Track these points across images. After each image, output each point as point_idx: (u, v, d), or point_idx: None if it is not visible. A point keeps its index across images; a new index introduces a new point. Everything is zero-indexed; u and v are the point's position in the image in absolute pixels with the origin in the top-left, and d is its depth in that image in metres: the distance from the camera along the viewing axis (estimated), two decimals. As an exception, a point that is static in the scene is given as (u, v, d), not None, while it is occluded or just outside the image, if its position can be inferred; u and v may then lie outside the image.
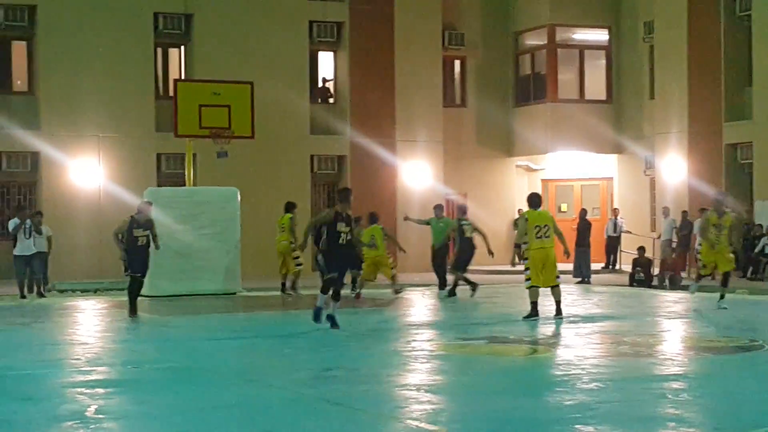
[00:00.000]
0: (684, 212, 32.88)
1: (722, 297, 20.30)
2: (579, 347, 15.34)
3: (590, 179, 39.22)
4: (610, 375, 12.48)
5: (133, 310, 19.27)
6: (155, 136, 32.37)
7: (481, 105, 38.68)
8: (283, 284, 25.18)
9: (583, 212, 33.22)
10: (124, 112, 32.26)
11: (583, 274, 30.67)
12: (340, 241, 16.57)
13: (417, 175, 35.74)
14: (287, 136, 33.66)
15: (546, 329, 17.34)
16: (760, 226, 31.31)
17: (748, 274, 30.60)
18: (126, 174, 31.71)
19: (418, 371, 12.58)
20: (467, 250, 23.64)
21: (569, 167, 39.05)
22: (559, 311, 18.60)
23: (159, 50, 33.96)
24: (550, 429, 9.10)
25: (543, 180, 39.42)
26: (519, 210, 38.24)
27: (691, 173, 34.15)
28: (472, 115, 38.76)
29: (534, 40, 39.01)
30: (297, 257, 24.42)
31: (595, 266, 32.94)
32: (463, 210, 24.84)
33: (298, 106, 34.17)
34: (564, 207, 39.08)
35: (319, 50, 36.01)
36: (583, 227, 31.87)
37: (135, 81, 32.48)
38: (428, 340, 16.13)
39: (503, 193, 38.61)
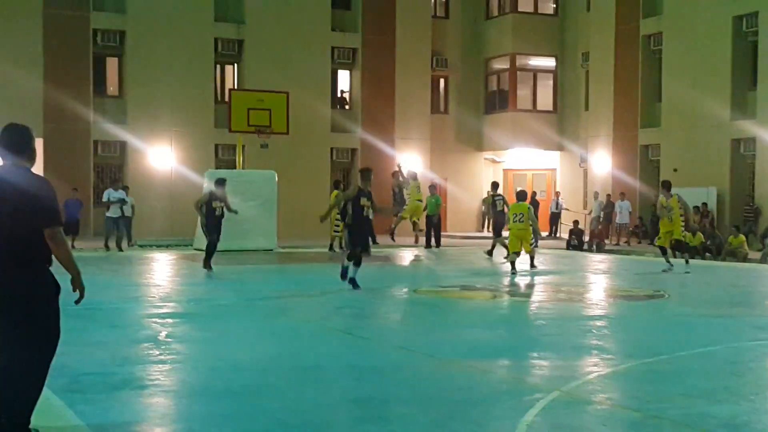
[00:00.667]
0: (608, 195, 32.93)
1: (687, 262, 19.64)
2: (528, 294, 15.36)
3: (539, 169, 39.16)
4: (551, 315, 12.49)
5: (208, 264, 18.31)
6: (214, 131, 32.35)
7: (459, 112, 38.74)
8: (331, 244, 25.38)
9: (534, 194, 33.21)
10: (190, 113, 32.20)
11: (535, 239, 30.55)
12: (364, 214, 14.72)
13: (411, 164, 35.69)
14: (313, 133, 33.69)
15: (505, 281, 17.33)
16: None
17: (654, 242, 30.50)
18: (191, 159, 31.71)
19: (404, 310, 12.58)
20: (500, 219, 22.80)
21: (524, 160, 39.05)
22: (532, 265, 19.29)
23: (218, 66, 33.89)
24: (506, 354, 9.11)
25: (504, 170, 39.41)
26: (488, 192, 38.27)
27: (614, 167, 34.16)
28: (453, 120, 38.80)
29: (499, 64, 38.97)
30: (337, 226, 24.39)
31: (542, 233, 32.89)
32: (495, 186, 24.13)
33: (322, 110, 34.28)
34: (518, 190, 38.96)
35: (339, 69, 36.08)
36: (534, 206, 31.81)
37: (199, 89, 32.41)
38: (414, 288, 16.13)
39: (474, 179, 38.64)
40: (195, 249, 24.16)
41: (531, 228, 19.27)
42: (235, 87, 33.06)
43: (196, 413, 6.72)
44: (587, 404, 7.03)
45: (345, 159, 35.65)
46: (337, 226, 24.34)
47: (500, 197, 23.32)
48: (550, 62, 38.78)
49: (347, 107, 36.56)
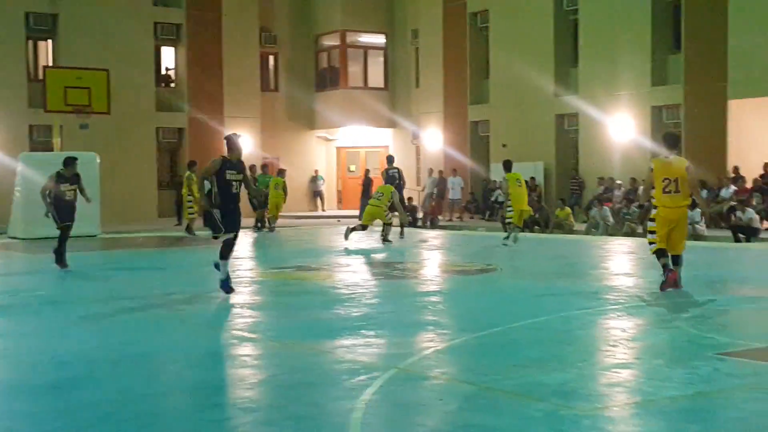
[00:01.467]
0: (440, 172, 33.61)
1: (510, 235, 19.68)
2: (363, 272, 15.49)
3: (372, 147, 39.51)
4: (386, 292, 12.65)
5: (62, 261, 15.99)
6: (27, 111, 31.02)
7: (289, 90, 38.60)
8: (188, 226, 24.49)
9: (367, 171, 33.50)
10: (0, 92, 30.81)
11: (366, 218, 30.88)
12: (233, 191, 11.86)
13: (241, 143, 35.30)
14: (137, 112, 32.91)
15: (340, 260, 17.41)
16: (495, 181, 32.17)
17: (486, 216, 31.46)
18: (2, 141, 30.30)
19: (242, 293, 12.44)
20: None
21: (357, 138, 39.32)
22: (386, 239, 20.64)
23: (30, 42, 32.52)
24: (342, 333, 9.15)
25: (337, 147, 39.62)
26: (315, 170, 38.41)
27: (446, 143, 34.90)
28: (283, 97, 38.64)
29: (330, 41, 39.02)
30: (191, 206, 23.86)
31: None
32: (390, 160, 24.19)
33: (146, 89, 33.54)
34: (353, 168, 39.40)
35: (163, 45, 35.33)
36: (367, 183, 32.08)
37: (9, 67, 31.05)
38: (249, 269, 16.00)
39: (306, 157, 38.68)
40: (10, 237, 23.14)
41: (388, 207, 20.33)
42: (50, 64, 31.75)
43: (17, 412, 6.43)
44: (424, 380, 7.16)
45: (172, 139, 34.98)
46: (191, 206, 23.82)
47: (395, 170, 23.20)
48: (380, 39, 39.13)
49: (173, 85, 35.81)
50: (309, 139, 39.14)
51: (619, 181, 27.81)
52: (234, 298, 11.80)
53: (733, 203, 23.20)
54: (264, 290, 13.24)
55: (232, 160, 12.05)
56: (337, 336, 9.02)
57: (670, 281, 11.36)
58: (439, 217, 31.37)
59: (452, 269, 16.01)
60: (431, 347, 8.43)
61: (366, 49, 39.17)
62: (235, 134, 12.58)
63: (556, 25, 30.88)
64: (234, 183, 11.91)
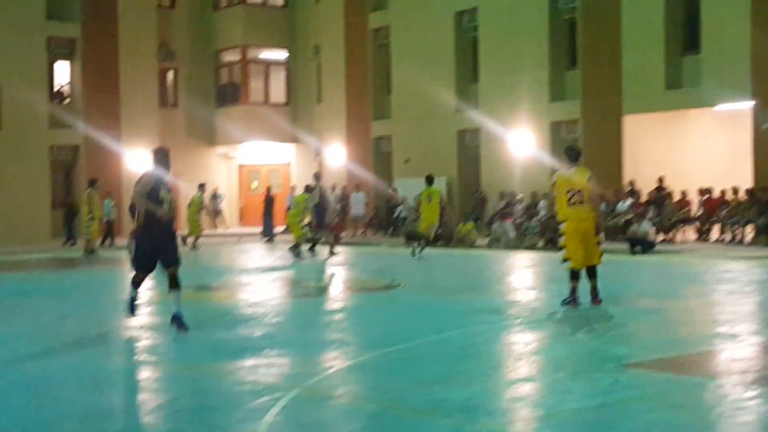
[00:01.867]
0: (343, 187, 33.64)
1: (422, 249, 20.98)
2: (266, 291, 15.36)
3: (274, 164, 39.36)
4: (289, 311, 12.57)
5: None
6: None
7: (189, 106, 38.15)
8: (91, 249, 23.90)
9: (269, 188, 33.34)
10: None
11: (268, 234, 30.77)
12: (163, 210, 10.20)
13: (138, 160, 34.74)
14: (29, 129, 32.07)
15: (242, 279, 17.22)
16: (398, 197, 32.32)
17: (390, 232, 31.55)
18: None
19: (142, 314, 12.16)
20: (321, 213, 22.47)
21: (258, 154, 39.08)
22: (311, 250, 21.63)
23: None
24: (244, 354, 9.02)
25: (239, 165, 39.30)
26: (215, 188, 38.04)
27: (349, 159, 34.94)
28: (183, 113, 38.17)
29: (230, 56, 38.77)
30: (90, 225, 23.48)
31: (279, 229, 33.06)
32: (317, 177, 23.71)
33: (38, 105, 32.63)
34: (254, 185, 39.10)
35: (57, 60, 34.51)
36: (269, 200, 31.97)
37: None
38: (148, 289, 15.65)
39: (207, 174, 38.11)
40: None
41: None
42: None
43: None
44: (328, 399, 7.11)
45: (66, 157, 34.17)
46: (91, 225, 23.27)
47: (316, 188, 23.08)
48: (281, 55, 39.04)
49: (68, 101, 35.00)
50: (209, 155, 38.73)
51: (520, 196, 28.24)
52: (131, 321, 11.52)
53: (629, 216, 23.77)
54: (163, 311, 12.97)
55: (162, 179, 10.39)
56: (239, 357, 8.88)
57: (574, 305, 11.45)
58: (342, 234, 31.33)
59: (356, 286, 15.99)
60: (335, 366, 8.38)
61: (267, 64, 39.02)
62: (167, 150, 10.86)
63: (457, 42, 31.27)
64: (164, 203, 10.28)
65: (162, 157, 10.61)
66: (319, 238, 22.35)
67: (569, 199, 11.42)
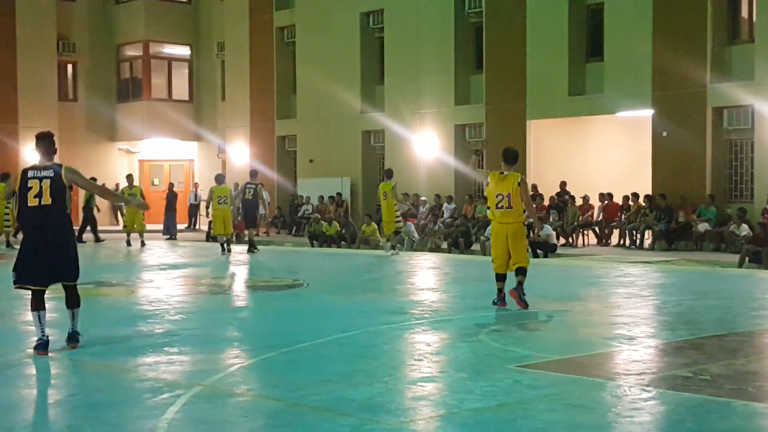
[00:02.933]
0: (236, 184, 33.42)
1: (394, 247, 21.21)
2: (168, 288, 15.14)
3: (177, 160, 38.88)
4: (191, 308, 12.41)
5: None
6: None
7: (90, 101, 37.50)
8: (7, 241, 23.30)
9: (171, 185, 32.97)
10: None
11: (171, 232, 30.34)
12: (29, 204, 8.83)
13: (36, 156, 33.96)
14: None
15: (143, 276, 16.95)
16: (302, 196, 32.29)
17: (293, 232, 31.46)
18: None
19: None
20: (251, 207, 22.81)
21: (160, 151, 38.58)
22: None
23: None
24: (144, 351, 8.89)
25: (140, 160, 38.68)
26: (117, 184, 37.31)
27: (253, 157, 34.75)
28: (83, 108, 37.48)
29: (132, 51, 38.22)
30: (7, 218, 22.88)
31: (181, 226, 32.70)
32: (254, 174, 23.88)
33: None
34: (156, 181, 38.55)
35: (-49, 50, 33.54)
36: (171, 197, 31.57)
37: None
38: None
39: (108, 170, 37.47)
40: None
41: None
42: None
43: None
44: (229, 397, 7.05)
45: (-40, 149, 33.17)
46: (8, 219, 22.73)
47: (252, 186, 22.88)
48: (185, 51, 38.63)
49: (-38, 92, 34.02)
50: (110, 151, 38.07)
51: (423, 198, 28.47)
52: (27, 316, 11.22)
53: (531, 220, 24.17)
54: (59, 307, 12.67)
55: (40, 166, 9.33)
56: (139, 354, 8.75)
57: (501, 304, 11.64)
58: (245, 232, 31.09)
59: (259, 284, 15.90)
60: (237, 364, 8.32)
61: (170, 60, 38.57)
62: (47, 135, 9.66)
63: (363, 43, 31.37)
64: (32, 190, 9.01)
65: (41, 142, 9.42)
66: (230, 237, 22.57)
67: (497, 203, 11.53)
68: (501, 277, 11.70)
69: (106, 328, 10.36)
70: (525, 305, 11.43)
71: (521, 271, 11.55)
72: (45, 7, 34.99)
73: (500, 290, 11.73)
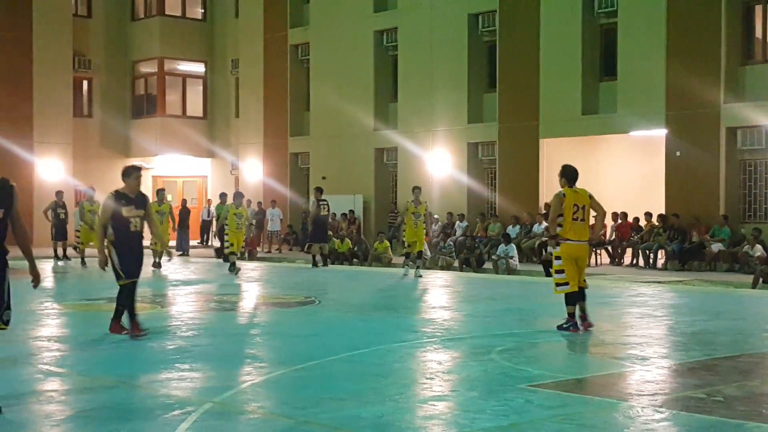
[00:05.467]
0: (259, 203, 33.44)
1: (418, 268, 20.39)
2: (180, 304, 15.17)
3: (190, 176, 38.99)
4: (202, 325, 12.42)
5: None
6: None
7: (104, 117, 37.68)
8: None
9: (184, 201, 33.10)
10: None
11: (183, 248, 30.39)
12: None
13: (51, 170, 34.17)
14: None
15: (155, 292, 16.98)
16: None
17: (305, 249, 31.37)
18: None
19: (50, 326, 11.93)
20: (324, 223, 23.44)
21: (174, 167, 38.69)
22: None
23: None
24: (156, 367, 8.91)
25: (154, 176, 38.73)
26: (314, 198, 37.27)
27: (266, 174, 34.82)
28: (97, 124, 37.66)
29: (147, 68, 38.38)
30: None
31: (193, 242, 32.77)
32: (320, 191, 24.00)
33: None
34: (169, 197, 38.55)
35: (-33, 66, 33.82)
36: (184, 213, 31.65)
37: None
38: (59, 301, 15.35)
39: (121, 186, 37.56)
40: None
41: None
42: None
43: None
44: (240, 414, 7.05)
45: (-25, 164, 33.37)
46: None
47: (324, 202, 23.18)
48: (199, 67, 38.80)
49: (-22, 108, 34.27)
50: (124, 167, 38.19)
51: (436, 216, 28.45)
52: (39, 331, 11.27)
53: (544, 239, 24.14)
54: (73, 323, 12.74)
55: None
56: (151, 370, 8.77)
57: (575, 329, 11.20)
58: (258, 249, 31.16)
59: (271, 301, 15.90)
60: (248, 381, 8.31)
61: (185, 76, 38.73)
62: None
63: (376, 61, 31.44)
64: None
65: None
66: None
67: (573, 214, 11.33)
68: (574, 299, 11.29)
69: (118, 344, 10.38)
70: (591, 324, 11.38)
71: (583, 297, 11.42)
72: (62, 24, 35.22)
73: (573, 314, 11.28)
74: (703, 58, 23.43)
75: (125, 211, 10.65)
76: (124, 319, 10.80)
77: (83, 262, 24.10)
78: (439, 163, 29.15)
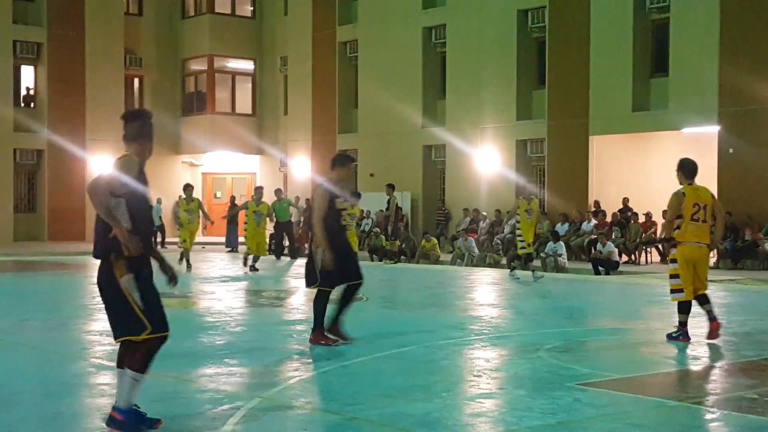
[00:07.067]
0: (307, 200, 33.54)
1: (536, 268, 19.81)
2: (229, 300, 15.29)
3: (239, 173, 39.28)
4: (251, 320, 12.52)
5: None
6: None
7: (154, 114, 37.39)
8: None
9: (233, 198, 33.40)
10: None
11: (232, 244, 30.66)
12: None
13: (104, 166, 34.68)
14: (-7, 132, 31.93)
15: (204, 287, 17.13)
16: (362, 210, 32.32)
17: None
18: None
19: (100, 320, 12.07)
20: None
21: (223, 164, 39.01)
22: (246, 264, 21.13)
23: None
24: (205, 362, 8.99)
25: (203, 173, 39.17)
26: (179, 196, 37.73)
27: (313, 171, 34.95)
28: (148, 121, 38.10)
29: (197, 65, 38.71)
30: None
31: (242, 239, 32.96)
32: (392, 187, 24.75)
33: (3, 109, 32.59)
34: (219, 194, 39.03)
35: (22, 64, 34.41)
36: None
37: None
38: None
39: (172, 183, 37.96)
40: None
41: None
42: None
43: None
44: (288, 409, 7.09)
45: (30, 161, 34.02)
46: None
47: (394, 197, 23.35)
48: (248, 65, 39.05)
49: (32, 105, 34.84)
50: (174, 164, 38.57)
51: (484, 213, 28.38)
52: (92, 326, 11.44)
53: (593, 237, 23.96)
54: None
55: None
56: (200, 365, 8.85)
57: (685, 339, 10.36)
58: (305, 246, 31.29)
59: (319, 298, 15.93)
60: (296, 376, 8.36)
61: (234, 74, 39.03)
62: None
63: (425, 58, 31.41)
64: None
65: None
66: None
67: (693, 214, 10.36)
68: (688, 308, 10.48)
69: (168, 339, 10.47)
70: (719, 324, 10.48)
71: (707, 299, 10.51)
72: (113, 22, 35.68)
73: (684, 324, 10.42)
74: (756, 53, 23.09)
75: (338, 204, 9.91)
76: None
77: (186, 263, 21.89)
78: (487, 161, 29.06)
